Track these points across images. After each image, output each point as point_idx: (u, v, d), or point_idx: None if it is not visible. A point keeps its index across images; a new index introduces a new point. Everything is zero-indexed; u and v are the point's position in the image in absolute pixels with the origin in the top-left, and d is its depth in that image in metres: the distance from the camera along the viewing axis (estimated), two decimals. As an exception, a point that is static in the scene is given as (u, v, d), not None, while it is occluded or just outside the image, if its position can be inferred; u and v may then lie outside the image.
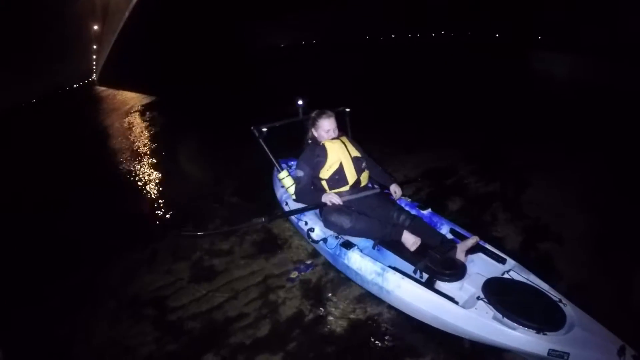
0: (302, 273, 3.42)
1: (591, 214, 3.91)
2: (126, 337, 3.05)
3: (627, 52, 12.06)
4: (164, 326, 3.09)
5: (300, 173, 3.21)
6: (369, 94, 10.62)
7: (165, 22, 23.94)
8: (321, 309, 3.00)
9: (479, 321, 2.19)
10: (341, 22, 29.68)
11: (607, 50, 12.28)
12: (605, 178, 4.64)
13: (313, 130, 3.34)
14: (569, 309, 2.19)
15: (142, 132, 10.09)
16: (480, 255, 2.75)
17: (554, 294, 2.29)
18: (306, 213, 3.33)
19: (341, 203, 3.08)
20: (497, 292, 2.29)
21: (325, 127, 3.23)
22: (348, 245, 2.92)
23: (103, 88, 22.67)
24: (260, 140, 3.72)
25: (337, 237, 3.06)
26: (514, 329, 2.10)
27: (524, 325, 2.09)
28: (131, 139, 9.46)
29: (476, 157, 5.65)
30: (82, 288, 3.83)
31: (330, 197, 3.08)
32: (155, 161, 7.49)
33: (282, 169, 3.71)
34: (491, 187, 4.67)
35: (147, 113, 12.71)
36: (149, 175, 6.80)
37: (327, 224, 3.10)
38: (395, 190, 3.29)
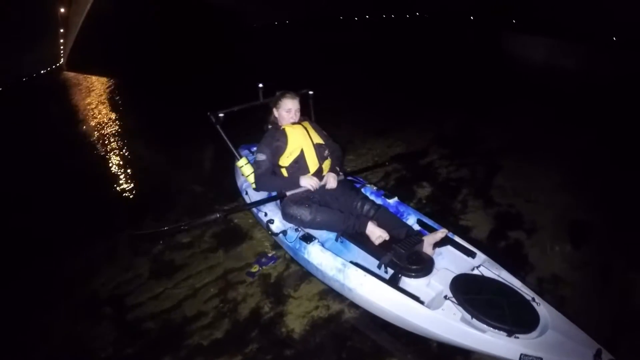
0: (263, 267, 3.25)
1: (565, 201, 3.81)
2: (84, 338, 2.90)
3: (606, 38, 12.07)
4: (122, 326, 2.95)
5: (261, 157, 2.96)
6: (337, 75, 10.39)
7: (134, 6, 23.31)
8: (281, 306, 2.85)
9: (446, 323, 2.02)
10: (315, 2, 29.16)
11: (585, 36, 12.25)
12: (580, 164, 4.55)
13: (275, 110, 3.12)
14: (542, 308, 2.03)
15: (105, 119, 9.73)
16: (449, 248, 2.58)
17: (526, 292, 2.13)
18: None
19: (319, 185, 2.91)
20: (465, 291, 2.11)
21: (287, 107, 3.02)
22: (308, 239, 2.71)
23: (71, 73, 21.99)
24: (217, 126, 3.45)
25: (297, 230, 2.85)
26: (483, 331, 1.93)
27: (494, 328, 1.93)
28: (94, 127, 9.12)
29: (448, 140, 5.54)
30: (39, 284, 3.65)
31: (311, 182, 2.88)
32: (117, 149, 7.18)
33: (241, 157, 3.46)
34: (462, 172, 4.54)
35: (113, 98, 12.35)
36: (110, 164, 6.52)
37: (286, 217, 2.89)
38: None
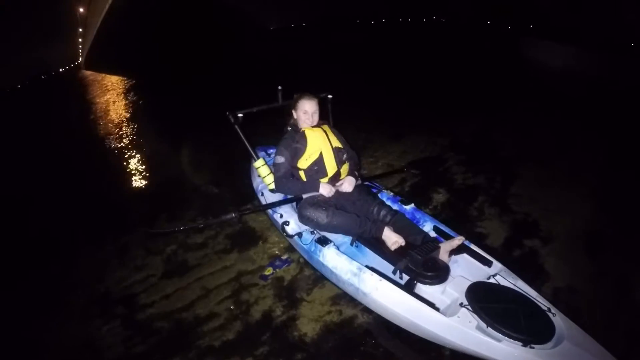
0: (277, 270, 3.24)
1: (582, 211, 3.77)
2: (96, 337, 2.91)
3: (624, 45, 11.86)
4: (134, 325, 2.96)
5: (280, 159, 2.99)
6: (353, 79, 10.32)
7: (151, 6, 23.55)
8: (294, 310, 2.85)
9: (461, 331, 2.01)
10: (332, 4, 29.10)
11: (603, 43, 12.05)
12: (598, 173, 4.50)
13: (293, 112, 3.13)
14: (557, 319, 2.01)
15: (122, 118, 9.80)
16: (465, 256, 2.57)
17: (542, 302, 2.11)
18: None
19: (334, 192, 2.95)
20: (481, 299, 2.10)
21: (304, 108, 3.03)
22: (324, 242, 2.72)
23: (89, 72, 22.29)
24: (236, 126, 3.48)
25: (312, 232, 2.86)
26: (498, 340, 1.92)
27: (509, 337, 1.92)
28: (110, 125, 9.20)
29: (464, 146, 5.51)
30: (52, 284, 3.65)
31: (330, 191, 2.92)
32: (133, 148, 7.24)
33: (259, 158, 3.48)
34: (479, 178, 4.52)
35: (129, 98, 12.43)
36: (126, 163, 6.56)
37: (302, 219, 2.90)
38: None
